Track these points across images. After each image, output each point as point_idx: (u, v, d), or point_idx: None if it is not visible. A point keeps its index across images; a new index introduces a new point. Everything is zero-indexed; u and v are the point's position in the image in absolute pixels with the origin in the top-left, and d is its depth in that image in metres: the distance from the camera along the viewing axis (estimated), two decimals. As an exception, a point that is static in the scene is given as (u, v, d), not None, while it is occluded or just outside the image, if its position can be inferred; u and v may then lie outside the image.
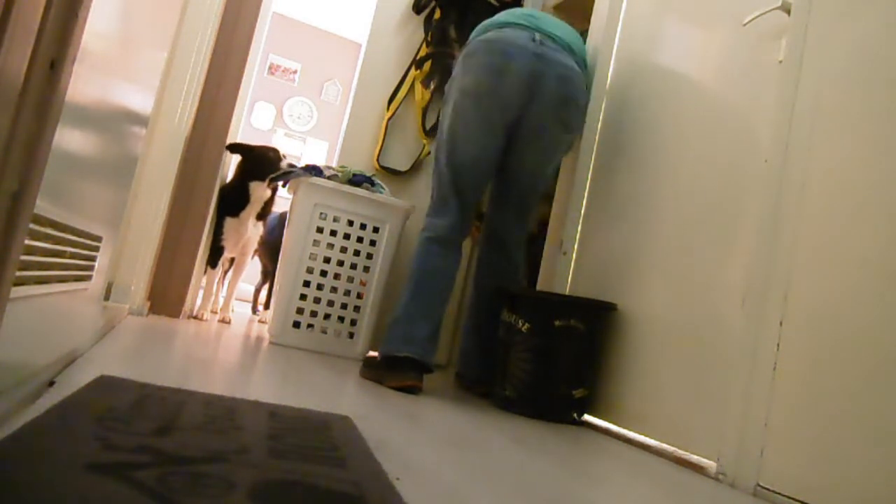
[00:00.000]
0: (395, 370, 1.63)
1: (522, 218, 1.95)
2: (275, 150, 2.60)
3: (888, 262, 1.04)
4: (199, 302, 2.59)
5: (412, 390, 1.61)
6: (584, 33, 2.37)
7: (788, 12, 1.38)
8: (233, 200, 2.56)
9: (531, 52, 1.70)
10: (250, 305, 4.15)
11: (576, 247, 2.02)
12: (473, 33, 1.82)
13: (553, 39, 1.74)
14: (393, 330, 1.71)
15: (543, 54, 1.71)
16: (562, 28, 1.81)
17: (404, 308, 1.72)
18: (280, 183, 2.47)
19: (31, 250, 0.60)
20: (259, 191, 2.55)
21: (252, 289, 3.97)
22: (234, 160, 2.64)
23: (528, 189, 1.91)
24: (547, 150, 1.84)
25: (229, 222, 2.58)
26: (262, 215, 2.68)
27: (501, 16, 1.81)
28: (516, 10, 1.84)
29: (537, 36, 1.72)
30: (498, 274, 1.92)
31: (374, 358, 1.78)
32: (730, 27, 1.57)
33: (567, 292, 1.99)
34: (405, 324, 1.70)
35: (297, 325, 2.17)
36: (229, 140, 2.51)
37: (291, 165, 2.56)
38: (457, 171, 1.77)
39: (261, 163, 2.53)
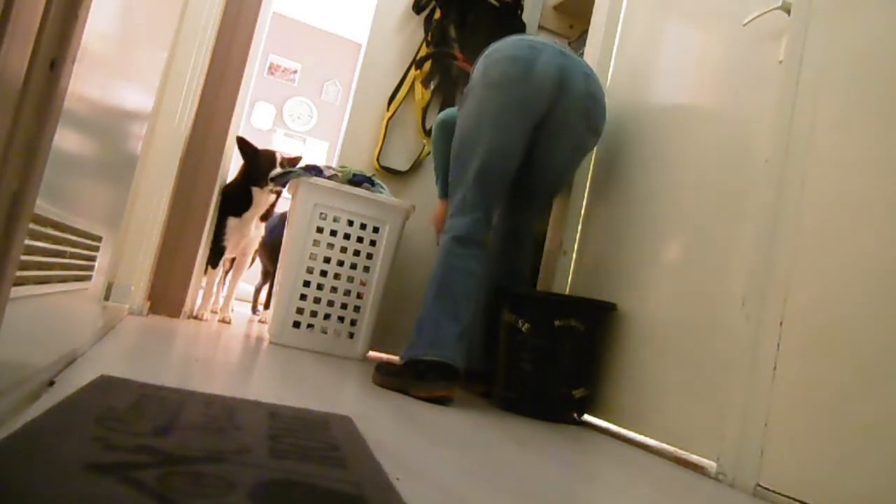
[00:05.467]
0: (422, 379, 1.53)
1: (539, 216, 1.96)
2: (270, 156, 2.54)
3: (888, 261, 1.04)
4: (199, 302, 2.59)
5: (442, 401, 1.52)
6: (584, 33, 2.37)
7: (788, 12, 1.38)
8: (236, 201, 2.56)
9: (557, 49, 1.72)
10: (250, 305, 4.15)
11: (576, 247, 2.02)
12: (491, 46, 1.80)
13: (570, 49, 1.80)
14: (418, 334, 1.63)
15: (568, 54, 1.74)
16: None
17: (429, 311, 1.64)
18: (280, 183, 2.47)
19: (31, 250, 0.60)
20: (261, 196, 2.53)
21: (252, 289, 3.97)
22: (237, 160, 2.64)
23: (550, 187, 1.90)
24: (573, 149, 1.82)
25: (232, 222, 2.57)
26: (265, 217, 2.68)
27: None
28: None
29: (557, 42, 1.77)
30: (510, 270, 1.92)
31: (390, 363, 1.70)
32: (730, 27, 1.57)
33: (567, 292, 1.99)
34: (431, 327, 1.61)
35: (297, 325, 2.17)
36: (229, 142, 2.50)
37: (290, 162, 2.54)
38: (482, 165, 1.70)
39: (257, 168, 2.51)
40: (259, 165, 2.51)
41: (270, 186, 2.49)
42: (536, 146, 1.79)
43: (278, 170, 2.47)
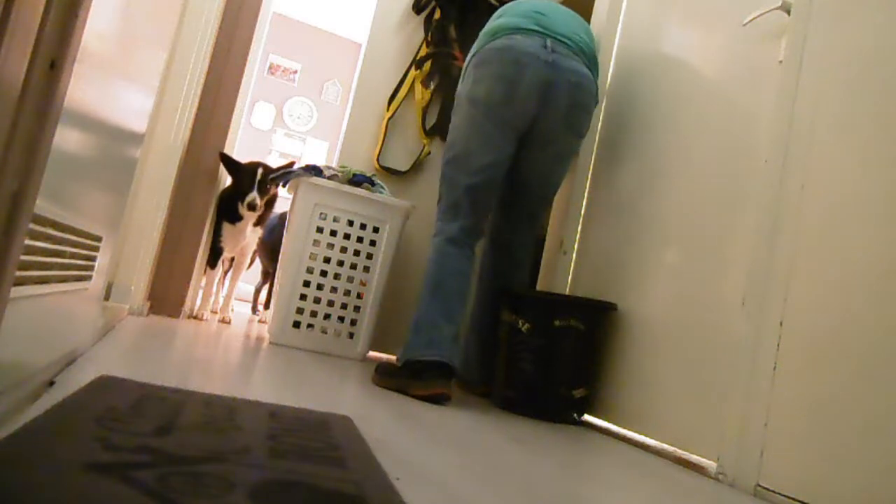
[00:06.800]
0: (420, 378, 1.55)
1: (532, 224, 1.94)
2: (251, 172, 2.49)
3: (888, 261, 1.04)
4: (198, 302, 2.59)
5: (440, 399, 1.53)
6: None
7: (788, 12, 1.38)
8: (229, 209, 2.56)
9: (543, 60, 1.68)
10: (250, 305, 4.15)
11: (576, 247, 2.02)
12: (482, 38, 1.78)
13: (564, 44, 1.72)
14: (415, 335, 1.64)
15: (555, 62, 1.69)
16: (571, 26, 1.77)
17: (425, 312, 1.66)
18: (280, 183, 2.47)
19: (31, 250, 0.60)
20: (246, 212, 2.51)
21: (252, 289, 3.98)
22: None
23: (538, 196, 1.90)
24: (558, 157, 1.83)
25: (227, 227, 2.58)
26: (260, 221, 2.67)
27: (507, 18, 1.77)
28: (522, 7, 1.79)
29: (549, 42, 1.70)
30: (503, 278, 1.92)
31: (389, 364, 1.71)
32: (730, 27, 1.57)
33: (567, 292, 1.99)
34: (427, 327, 1.63)
35: (297, 325, 2.17)
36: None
37: (276, 171, 2.50)
38: (471, 180, 1.74)
39: (240, 183, 2.49)
40: (241, 181, 2.49)
41: (246, 207, 2.46)
42: (521, 156, 1.81)
43: (255, 195, 2.45)
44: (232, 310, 2.82)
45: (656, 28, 1.93)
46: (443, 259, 1.72)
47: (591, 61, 1.80)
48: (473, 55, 1.78)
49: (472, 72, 1.75)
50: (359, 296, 2.25)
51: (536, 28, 1.72)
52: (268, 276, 3.55)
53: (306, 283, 2.18)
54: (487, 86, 1.70)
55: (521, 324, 1.69)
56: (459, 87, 1.83)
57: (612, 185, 1.91)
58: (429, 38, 2.61)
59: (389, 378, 1.63)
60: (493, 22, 1.80)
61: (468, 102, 1.75)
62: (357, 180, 2.28)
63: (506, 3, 2.39)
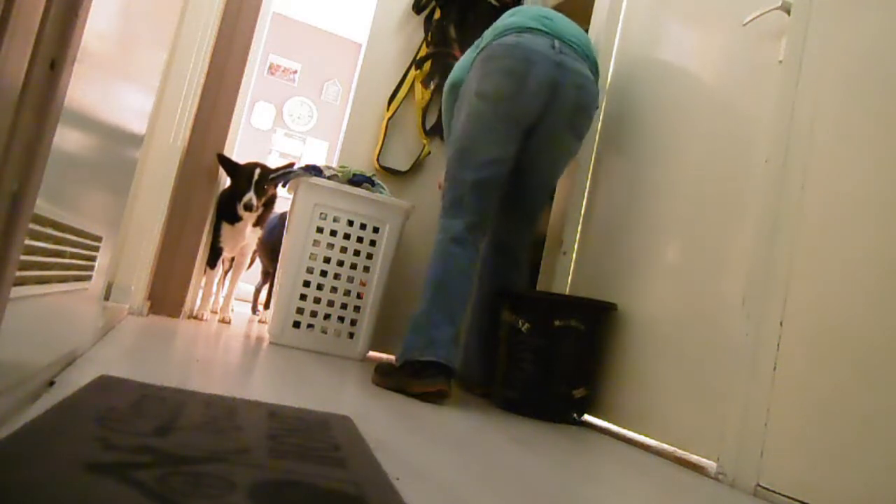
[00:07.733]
0: (418, 376, 1.54)
1: (531, 224, 1.94)
2: (249, 173, 2.48)
3: (888, 261, 1.04)
4: (198, 302, 2.59)
5: (439, 396, 1.53)
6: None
7: (788, 12, 1.38)
8: (228, 209, 2.56)
9: (552, 59, 1.69)
10: (250, 305, 4.15)
11: (576, 247, 2.02)
12: (490, 35, 1.78)
13: (571, 47, 1.73)
14: (414, 334, 1.63)
15: (563, 63, 1.70)
16: (576, 33, 1.79)
17: (426, 311, 1.64)
18: (280, 183, 2.47)
19: (31, 250, 0.60)
20: (243, 213, 2.51)
21: (252, 289, 3.98)
22: (237, 161, 2.63)
23: (538, 196, 1.90)
24: (558, 157, 1.84)
25: (226, 228, 2.58)
26: (260, 221, 2.67)
27: (517, 17, 1.77)
28: (531, 11, 1.80)
29: (557, 43, 1.70)
30: (503, 278, 1.92)
31: (388, 364, 1.70)
32: (730, 27, 1.57)
33: (567, 292, 1.99)
34: (427, 327, 1.62)
35: (297, 325, 2.17)
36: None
37: (273, 172, 2.48)
38: (476, 175, 1.73)
39: (238, 184, 2.49)
40: (238, 182, 2.50)
41: (243, 208, 2.46)
42: (523, 155, 1.81)
43: (251, 195, 2.45)
44: (232, 310, 2.82)
45: (656, 28, 1.93)
46: (446, 258, 1.70)
47: (594, 67, 1.81)
48: (480, 50, 1.78)
49: (480, 66, 1.74)
50: (359, 296, 2.24)
51: (545, 29, 1.74)
52: (268, 276, 3.55)
53: (306, 283, 2.18)
54: (496, 80, 1.70)
55: (521, 324, 1.69)
56: (463, 84, 1.83)
57: (612, 186, 1.91)
58: (429, 38, 2.61)
59: (389, 377, 1.63)
60: (503, 20, 1.80)
61: (475, 97, 1.73)
62: (357, 180, 2.28)
63: (506, 2, 2.40)
